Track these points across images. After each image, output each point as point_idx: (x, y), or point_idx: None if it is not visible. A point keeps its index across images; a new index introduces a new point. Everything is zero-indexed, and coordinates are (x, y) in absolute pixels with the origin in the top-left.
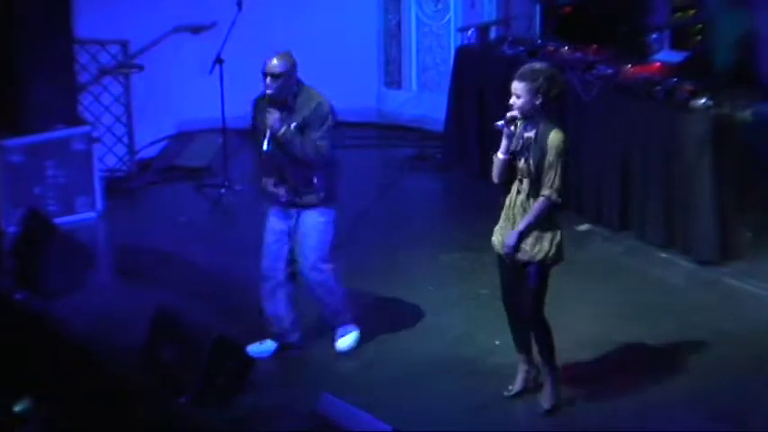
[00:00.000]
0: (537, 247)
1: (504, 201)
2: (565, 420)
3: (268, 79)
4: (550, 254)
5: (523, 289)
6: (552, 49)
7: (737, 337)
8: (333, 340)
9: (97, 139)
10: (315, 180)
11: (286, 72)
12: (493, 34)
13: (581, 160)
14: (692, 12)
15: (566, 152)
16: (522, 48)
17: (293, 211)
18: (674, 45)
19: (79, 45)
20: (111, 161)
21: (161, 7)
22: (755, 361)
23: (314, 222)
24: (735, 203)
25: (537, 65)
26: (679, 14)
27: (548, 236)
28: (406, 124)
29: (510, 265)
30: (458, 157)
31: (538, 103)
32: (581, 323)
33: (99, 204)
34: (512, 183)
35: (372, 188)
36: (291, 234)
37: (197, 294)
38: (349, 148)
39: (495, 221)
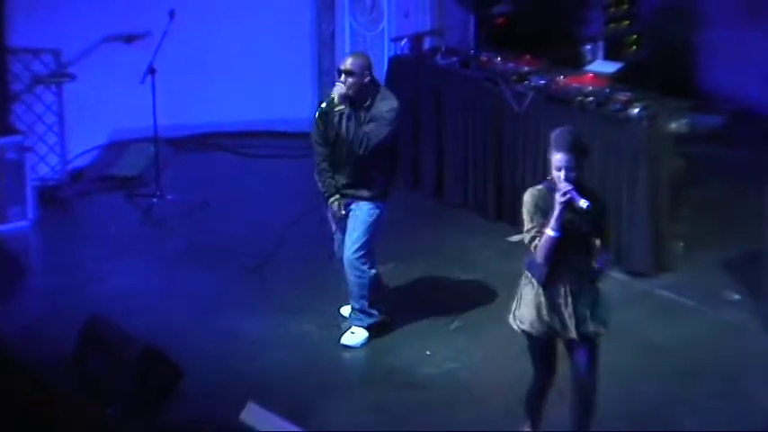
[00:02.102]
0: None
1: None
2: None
3: (342, 77)
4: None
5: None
6: (485, 59)
7: (669, 350)
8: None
9: (29, 149)
10: (374, 174)
11: (360, 70)
12: (426, 44)
13: (515, 171)
14: (626, 23)
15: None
16: (455, 58)
17: (349, 200)
18: (608, 56)
19: (11, 54)
20: (43, 170)
21: (94, 16)
22: (686, 373)
23: (363, 214)
24: (668, 215)
25: (569, 130)
26: (613, 25)
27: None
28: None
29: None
30: None
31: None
32: (511, 334)
33: (31, 214)
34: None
35: (306, 199)
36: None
37: (127, 305)
38: (283, 159)
39: (425, 232)
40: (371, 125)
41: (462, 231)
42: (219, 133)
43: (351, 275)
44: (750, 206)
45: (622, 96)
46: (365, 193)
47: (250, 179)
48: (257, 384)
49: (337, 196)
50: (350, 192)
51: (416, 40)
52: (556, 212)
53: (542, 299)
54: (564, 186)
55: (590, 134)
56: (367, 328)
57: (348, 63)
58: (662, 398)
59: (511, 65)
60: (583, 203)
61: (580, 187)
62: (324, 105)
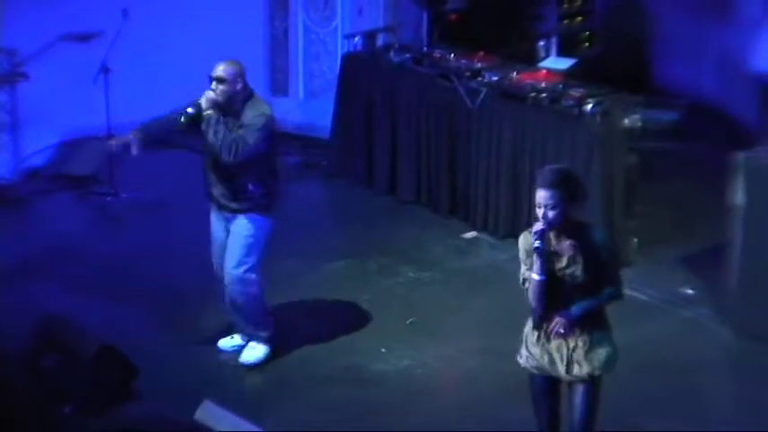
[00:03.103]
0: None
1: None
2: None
3: (213, 84)
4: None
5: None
6: (439, 56)
7: (623, 346)
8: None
9: None
10: (249, 186)
11: (231, 77)
12: (380, 41)
13: (469, 167)
14: (579, 19)
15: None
16: (408, 55)
17: (228, 214)
18: (562, 52)
19: None
20: None
21: (47, 16)
22: (641, 369)
23: (242, 229)
24: (622, 211)
25: (561, 169)
26: (566, 21)
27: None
28: (293, 132)
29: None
30: (344, 165)
31: (568, 212)
32: (466, 331)
33: None
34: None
35: None
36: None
37: (81, 303)
38: None
39: (378, 229)
40: (240, 131)
41: (416, 227)
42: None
43: (235, 293)
44: (706, 201)
45: (576, 92)
46: (242, 205)
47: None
48: (212, 382)
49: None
50: (227, 204)
51: (370, 37)
52: (534, 255)
53: (535, 334)
54: (536, 226)
55: (543, 130)
56: (267, 341)
57: (220, 70)
58: (618, 395)
59: (464, 61)
60: (536, 243)
61: (575, 227)
62: (190, 110)
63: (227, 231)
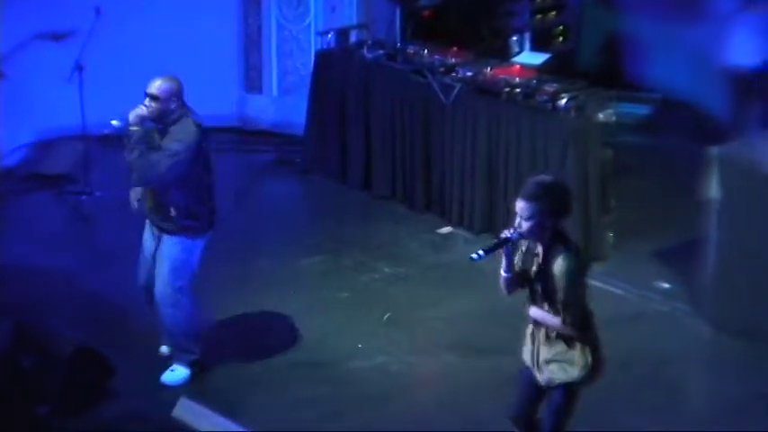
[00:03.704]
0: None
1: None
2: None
3: (147, 100)
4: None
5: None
6: (412, 52)
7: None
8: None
9: None
10: (171, 210)
11: (164, 95)
12: (353, 38)
13: (444, 163)
14: (552, 14)
15: (579, 277)
16: (382, 51)
17: (157, 230)
18: (535, 47)
19: None
20: None
21: (21, 15)
22: (616, 363)
23: (169, 251)
24: (597, 205)
25: (545, 179)
26: (540, 17)
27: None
28: (268, 129)
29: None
30: (318, 161)
31: (547, 226)
32: (441, 326)
33: None
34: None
35: (232, 193)
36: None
37: (57, 302)
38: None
39: (353, 225)
40: (156, 155)
41: (391, 223)
42: None
43: (162, 312)
44: (680, 195)
45: (550, 87)
46: (166, 226)
47: None
48: (189, 380)
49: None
50: (155, 221)
51: (343, 33)
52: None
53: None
54: (506, 232)
55: (518, 126)
56: (189, 365)
57: (154, 87)
58: (594, 389)
59: (438, 57)
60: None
61: (553, 240)
62: (115, 122)
63: (156, 247)
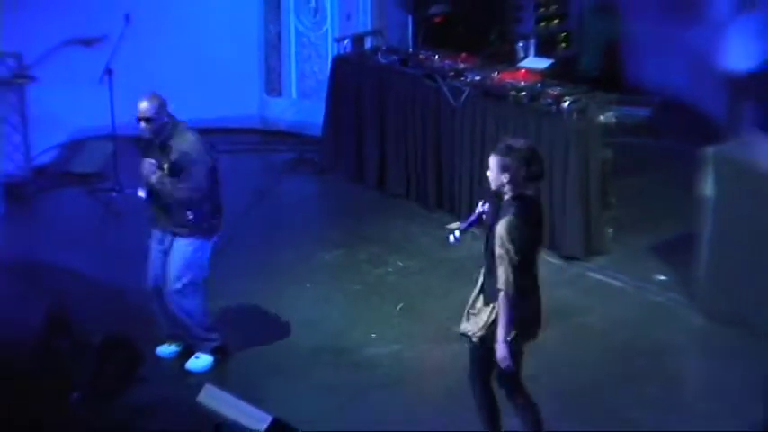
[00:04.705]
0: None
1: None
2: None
3: (142, 123)
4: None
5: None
6: (423, 57)
7: (599, 330)
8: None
9: None
10: (188, 214)
11: (155, 115)
12: (367, 44)
13: (454, 163)
14: (556, 21)
15: (512, 241)
16: (395, 56)
17: (168, 235)
18: (540, 52)
19: None
20: (8, 168)
21: (54, 21)
22: (615, 352)
23: (181, 250)
24: (598, 202)
25: (517, 141)
26: (544, 24)
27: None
28: (287, 130)
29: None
30: (334, 160)
31: (504, 180)
32: (450, 317)
33: None
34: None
35: (253, 191)
36: (165, 255)
37: (88, 292)
38: (233, 154)
39: (368, 221)
40: (180, 185)
41: (404, 220)
42: None
43: (175, 308)
44: (677, 193)
45: (553, 91)
46: (179, 230)
47: None
48: (213, 367)
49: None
50: (168, 225)
51: (358, 40)
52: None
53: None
54: (476, 210)
55: (524, 127)
56: (212, 352)
57: (144, 110)
58: (591, 376)
59: (448, 62)
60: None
61: (514, 205)
62: (141, 194)
63: (164, 253)
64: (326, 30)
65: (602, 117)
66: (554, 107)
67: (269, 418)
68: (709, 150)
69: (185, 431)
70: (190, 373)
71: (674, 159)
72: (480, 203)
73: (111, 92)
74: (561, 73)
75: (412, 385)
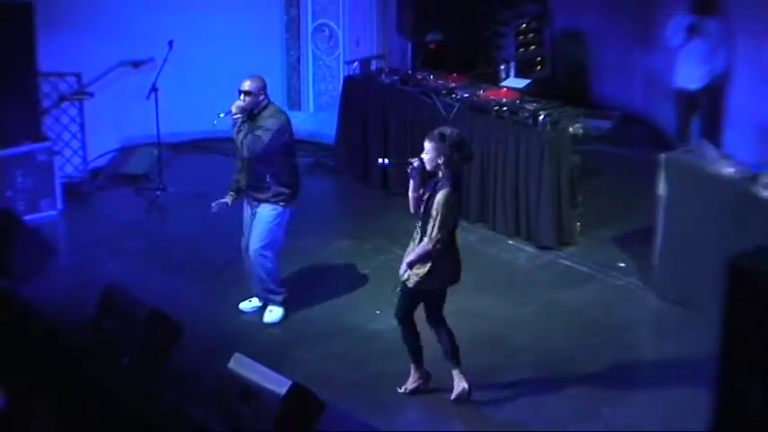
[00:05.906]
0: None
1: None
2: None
3: (241, 96)
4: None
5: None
6: (420, 77)
7: (570, 308)
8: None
9: (57, 152)
10: (267, 179)
11: (255, 90)
12: (373, 66)
13: None
14: (533, 47)
15: (447, 208)
16: (396, 77)
17: (254, 202)
18: (519, 74)
19: (42, 77)
20: (68, 170)
21: (108, 45)
22: (584, 327)
23: (264, 215)
24: (568, 201)
25: (447, 130)
26: (523, 50)
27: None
28: (306, 139)
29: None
30: (346, 164)
31: (440, 162)
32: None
33: (59, 205)
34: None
35: None
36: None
37: (135, 275)
38: None
39: (374, 216)
40: (257, 132)
41: (404, 215)
42: (211, 138)
43: (256, 266)
44: (635, 192)
45: (530, 106)
46: (262, 195)
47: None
48: (242, 339)
49: (232, 193)
50: (251, 193)
51: (365, 62)
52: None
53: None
54: (412, 161)
55: (505, 137)
56: (281, 304)
57: (246, 85)
58: (564, 347)
59: (441, 81)
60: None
61: (448, 181)
62: (222, 115)
63: (254, 216)
64: (339, 54)
65: (571, 128)
66: (531, 120)
67: (289, 383)
68: (663, 156)
69: (215, 395)
70: (267, 325)
71: (632, 164)
72: (414, 161)
73: (156, 106)
74: (537, 91)
75: (407, 355)
